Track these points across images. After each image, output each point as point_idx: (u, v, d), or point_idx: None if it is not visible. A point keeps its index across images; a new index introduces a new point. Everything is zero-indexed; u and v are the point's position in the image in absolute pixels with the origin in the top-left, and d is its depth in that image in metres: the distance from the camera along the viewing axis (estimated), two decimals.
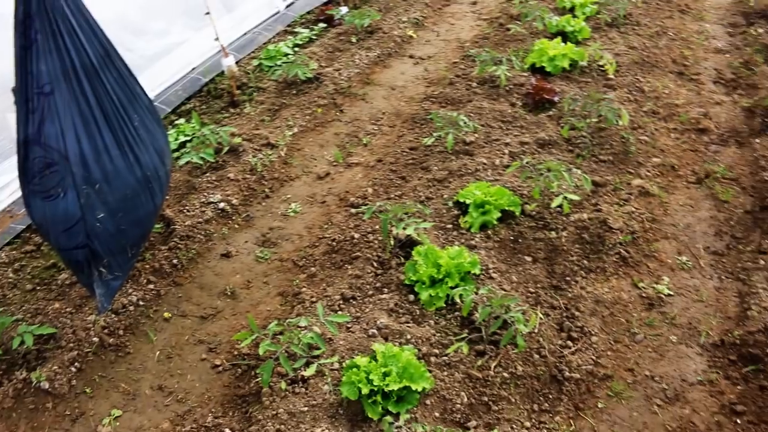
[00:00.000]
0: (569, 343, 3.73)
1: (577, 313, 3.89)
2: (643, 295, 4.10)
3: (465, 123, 5.27)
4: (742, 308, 3.95)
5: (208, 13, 5.63)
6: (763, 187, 4.82)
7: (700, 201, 4.88)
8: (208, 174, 5.14)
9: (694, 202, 4.87)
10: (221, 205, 4.82)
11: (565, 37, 6.95)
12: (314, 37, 7.53)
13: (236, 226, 4.81)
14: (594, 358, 3.66)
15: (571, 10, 7.57)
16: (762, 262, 4.18)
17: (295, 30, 7.68)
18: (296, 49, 7.21)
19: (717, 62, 6.81)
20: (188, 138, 5.52)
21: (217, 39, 5.84)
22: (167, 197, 4.70)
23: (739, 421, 3.32)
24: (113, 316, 3.95)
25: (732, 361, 3.64)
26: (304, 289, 4.16)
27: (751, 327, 3.72)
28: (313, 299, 4.02)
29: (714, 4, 8.23)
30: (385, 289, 4.02)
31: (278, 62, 6.81)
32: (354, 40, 7.33)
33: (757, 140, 5.39)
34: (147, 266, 4.29)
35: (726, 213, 4.74)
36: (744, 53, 6.80)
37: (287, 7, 8.07)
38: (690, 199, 4.90)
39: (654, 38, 7.12)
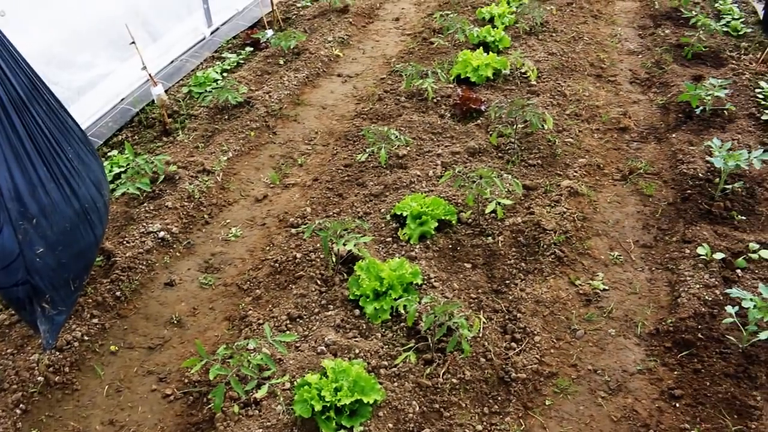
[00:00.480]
0: (513, 344, 3.84)
1: (518, 315, 4.00)
2: (580, 291, 4.25)
3: (396, 137, 5.37)
4: (672, 297, 4.14)
5: (133, 43, 5.58)
6: (682, 179, 5.06)
7: (626, 197, 5.09)
8: (145, 204, 5.09)
9: (621, 199, 5.07)
10: (161, 234, 4.78)
11: (487, 47, 7.16)
12: (242, 62, 7.55)
13: (178, 254, 4.78)
14: (538, 357, 3.77)
15: (491, 20, 7.81)
16: (687, 251, 4.39)
17: (223, 55, 7.68)
18: (225, 74, 7.21)
19: (631, 63, 7.12)
20: (123, 169, 5.46)
21: (144, 68, 5.80)
22: (106, 229, 4.63)
23: (677, 405, 3.47)
24: (58, 353, 3.87)
25: (667, 348, 3.81)
26: (250, 311, 4.17)
27: (682, 314, 3.90)
28: (260, 321, 4.03)
29: (623, 8, 8.62)
30: (331, 306, 4.07)
31: (208, 88, 6.80)
32: (282, 62, 7.37)
33: (674, 135, 5.66)
34: (90, 300, 4.22)
35: (651, 207, 4.96)
36: (654, 53, 7.14)
37: (212, 33, 8.06)
38: (617, 195, 5.11)
39: (571, 43, 7.40)
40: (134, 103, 6.48)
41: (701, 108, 5.73)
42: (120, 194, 5.03)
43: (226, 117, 6.30)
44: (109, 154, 5.83)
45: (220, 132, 6.08)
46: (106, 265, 4.51)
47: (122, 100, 6.53)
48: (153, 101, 6.36)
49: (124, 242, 4.69)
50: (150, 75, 5.94)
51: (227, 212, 5.22)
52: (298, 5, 9.16)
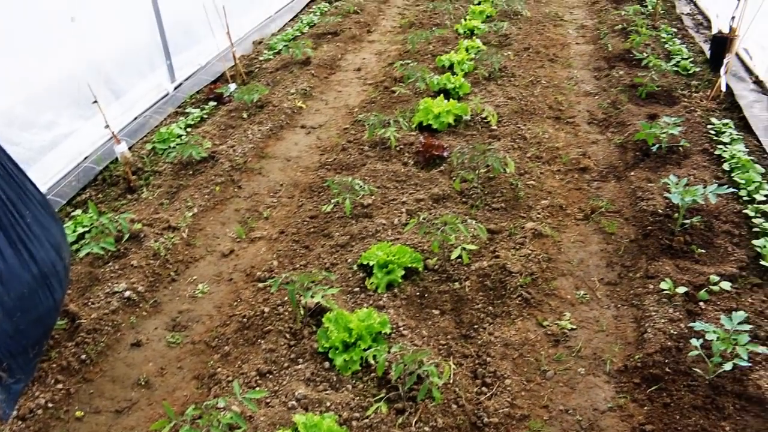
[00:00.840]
0: (484, 389, 3.84)
1: (488, 359, 4.01)
2: (549, 332, 4.28)
3: (361, 187, 5.42)
4: (639, 332, 4.19)
5: (95, 102, 5.60)
6: (642, 216, 5.17)
7: (589, 236, 5.17)
8: (110, 263, 5.04)
9: (585, 238, 5.15)
10: (127, 293, 4.73)
11: (448, 94, 7.30)
12: (205, 116, 7.59)
13: (144, 313, 4.72)
14: (509, 400, 3.78)
15: (450, 68, 7.97)
16: (651, 286, 4.46)
17: (186, 110, 7.71)
18: (189, 129, 7.24)
19: (588, 104, 7.31)
20: (86, 229, 5.41)
21: (107, 126, 5.81)
22: (69, 291, 4.57)
23: None
24: (20, 423, 3.76)
25: (636, 384, 3.84)
26: (219, 369, 4.12)
27: (649, 349, 3.95)
28: (229, 378, 3.98)
29: (578, 51, 8.87)
30: (300, 360, 4.04)
31: (172, 144, 6.80)
32: (245, 115, 7.43)
33: (632, 173, 5.79)
34: (54, 365, 4.14)
35: (614, 244, 5.05)
36: (610, 94, 7.35)
37: (176, 88, 8.11)
38: (580, 235, 5.19)
39: (529, 87, 7.58)
40: (98, 161, 6.46)
41: (657, 146, 5.88)
42: (84, 254, 4.98)
43: (191, 172, 6.30)
44: (72, 213, 5.79)
45: (185, 188, 6.07)
46: (71, 328, 4.44)
47: (86, 158, 6.51)
48: (117, 159, 6.35)
49: (89, 303, 4.63)
50: (113, 133, 5.94)
51: (194, 269, 5.19)
52: (261, 58, 9.27)
